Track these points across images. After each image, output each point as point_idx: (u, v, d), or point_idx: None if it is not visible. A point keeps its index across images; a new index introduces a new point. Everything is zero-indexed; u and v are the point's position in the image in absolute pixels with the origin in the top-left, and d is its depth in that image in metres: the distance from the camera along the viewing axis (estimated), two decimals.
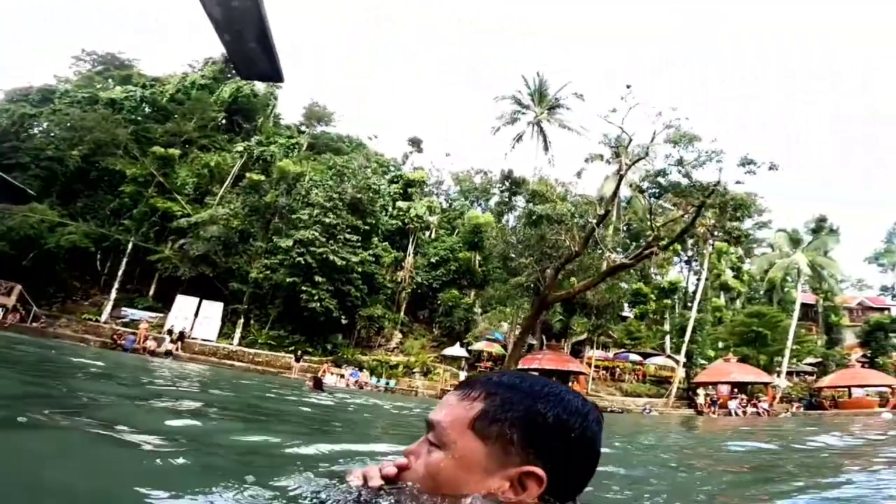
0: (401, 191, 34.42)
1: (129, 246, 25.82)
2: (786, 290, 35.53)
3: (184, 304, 24.44)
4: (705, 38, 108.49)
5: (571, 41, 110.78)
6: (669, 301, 33.77)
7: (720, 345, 31.23)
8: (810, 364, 32.99)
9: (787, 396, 27.35)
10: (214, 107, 35.16)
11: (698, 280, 32.11)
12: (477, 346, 28.15)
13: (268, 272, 25.97)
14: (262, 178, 28.87)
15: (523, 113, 37.76)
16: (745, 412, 22.28)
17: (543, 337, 29.77)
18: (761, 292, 37.11)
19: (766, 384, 26.00)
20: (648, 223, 22.42)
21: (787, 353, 28.33)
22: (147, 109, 34.87)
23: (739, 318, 31.03)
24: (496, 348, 28.19)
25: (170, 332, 22.64)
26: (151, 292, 26.50)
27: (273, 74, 1.73)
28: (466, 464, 0.77)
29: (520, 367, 23.78)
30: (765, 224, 40.44)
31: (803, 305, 32.89)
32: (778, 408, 24.37)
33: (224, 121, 36.62)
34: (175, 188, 29.26)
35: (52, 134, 29.08)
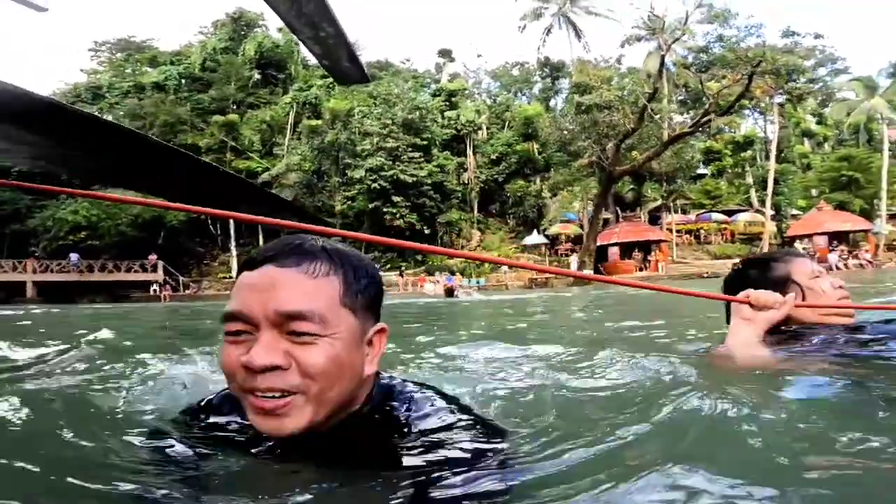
0: (445, 102, 34.81)
1: None
2: (872, 132, 32.96)
3: None
4: None
5: None
6: (749, 153, 32.75)
7: (814, 192, 29.75)
8: None
9: (893, 244, 25.72)
10: (245, 66, 36.32)
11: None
12: (553, 229, 29.76)
13: (349, 202, 28.58)
14: (318, 122, 30.41)
15: (546, 7, 36.71)
16: (846, 265, 20.92)
17: (618, 209, 30.61)
18: (847, 135, 34.90)
19: (865, 231, 24.54)
20: (702, 93, 22.40)
21: (884, 195, 26.48)
22: (185, 83, 36.68)
23: (828, 163, 29.39)
24: (572, 228, 29.64)
25: None
26: (261, 242, 30.19)
27: (362, 79, 3.17)
28: (352, 342, 0.71)
29: (599, 243, 25.31)
30: (842, 71, 37.84)
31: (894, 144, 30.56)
32: (883, 257, 22.76)
33: (259, 76, 37.66)
34: (246, 148, 31.70)
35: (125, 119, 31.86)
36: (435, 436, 0.71)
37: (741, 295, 1.29)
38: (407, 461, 0.68)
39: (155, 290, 24.02)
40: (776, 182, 27.49)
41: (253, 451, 0.75)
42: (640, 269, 24.59)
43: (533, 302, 8.86)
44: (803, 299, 1.32)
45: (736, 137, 33.13)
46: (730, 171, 32.84)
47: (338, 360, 0.68)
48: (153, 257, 25.39)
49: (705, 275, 20.82)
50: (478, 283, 26.51)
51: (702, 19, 32.18)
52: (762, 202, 28.80)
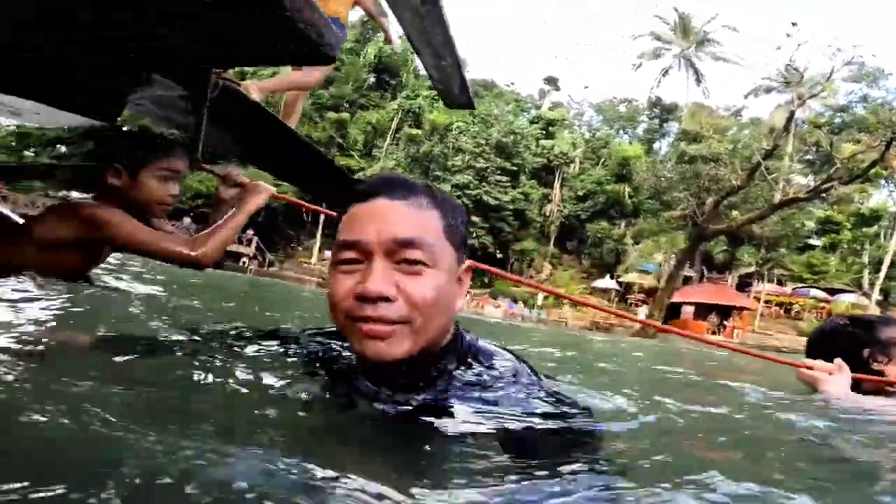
0: (542, 130, 34.94)
1: None
2: None
3: None
4: None
5: None
6: (874, 228, 29.08)
7: None
8: None
9: None
10: (364, 68, 39.23)
11: None
12: (628, 277, 28.59)
13: None
14: (417, 131, 32.02)
15: (667, 48, 35.57)
16: None
17: (704, 268, 28.73)
18: None
19: None
20: (831, 155, 20.48)
21: None
22: None
23: None
24: (648, 280, 28.27)
25: None
26: None
27: (468, 105, 3.44)
28: (451, 274, 0.74)
29: (674, 300, 23.95)
30: None
31: None
32: None
33: (374, 80, 40.39)
34: (349, 146, 34.21)
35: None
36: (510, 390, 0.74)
37: (802, 361, 1.49)
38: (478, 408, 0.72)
39: (244, 262, 26.76)
40: (893, 265, 24.19)
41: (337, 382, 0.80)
42: (713, 333, 23.20)
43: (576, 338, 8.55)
44: None
45: (861, 210, 29.53)
46: (846, 246, 29.26)
47: (441, 292, 0.71)
48: (250, 232, 28.29)
49: (784, 349, 19.27)
50: (539, 314, 26.27)
51: (848, 77, 29.38)
52: (873, 285, 25.58)
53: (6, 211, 1.78)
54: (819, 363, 1.44)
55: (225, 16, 1.26)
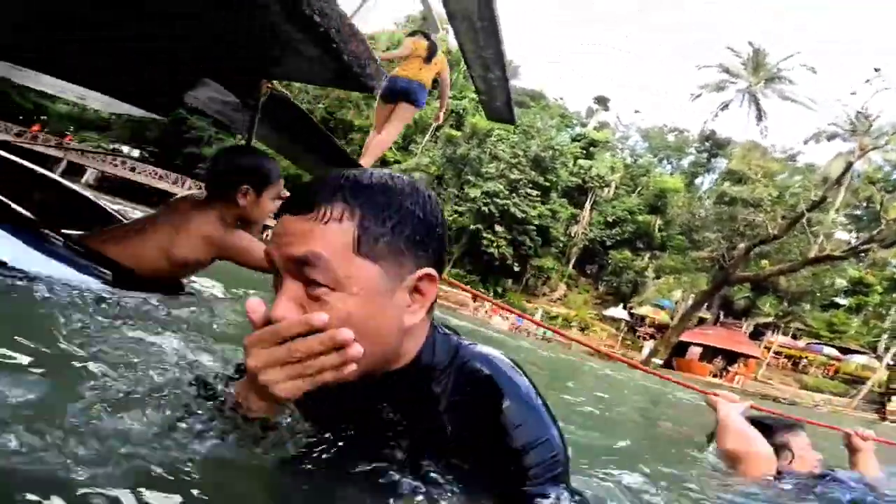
0: (583, 150, 34.82)
1: None
2: None
3: None
4: None
5: None
6: None
7: None
8: None
9: None
10: None
11: None
12: (642, 310, 28.38)
13: (456, 216, 30.05)
14: (457, 133, 32.41)
15: (732, 82, 34.66)
16: None
17: (721, 312, 28.39)
18: None
19: None
20: (880, 214, 19.83)
21: None
22: None
23: None
24: (662, 316, 28.03)
25: None
26: None
27: (510, 120, 3.65)
28: (371, 295, 0.63)
29: (684, 339, 23.73)
30: None
31: None
32: None
33: None
34: None
35: (308, 90, 36.77)
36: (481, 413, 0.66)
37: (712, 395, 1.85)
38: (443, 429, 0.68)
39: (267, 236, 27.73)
40: None
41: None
42: (715, 376, 23.11)
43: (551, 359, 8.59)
44: (791, 461, 1.72)
45: (895, 275, 28.52)
46: (871, 309, 28.33)
47: (349, 320, 0.61)
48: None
49: (783, 400, 19.47)
50: (545, 332, 26.18)
51: None
52: (888, 350, 25.00)
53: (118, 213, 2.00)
54: (724, 392, 1.84)
55: (283, 43, 1.60)
